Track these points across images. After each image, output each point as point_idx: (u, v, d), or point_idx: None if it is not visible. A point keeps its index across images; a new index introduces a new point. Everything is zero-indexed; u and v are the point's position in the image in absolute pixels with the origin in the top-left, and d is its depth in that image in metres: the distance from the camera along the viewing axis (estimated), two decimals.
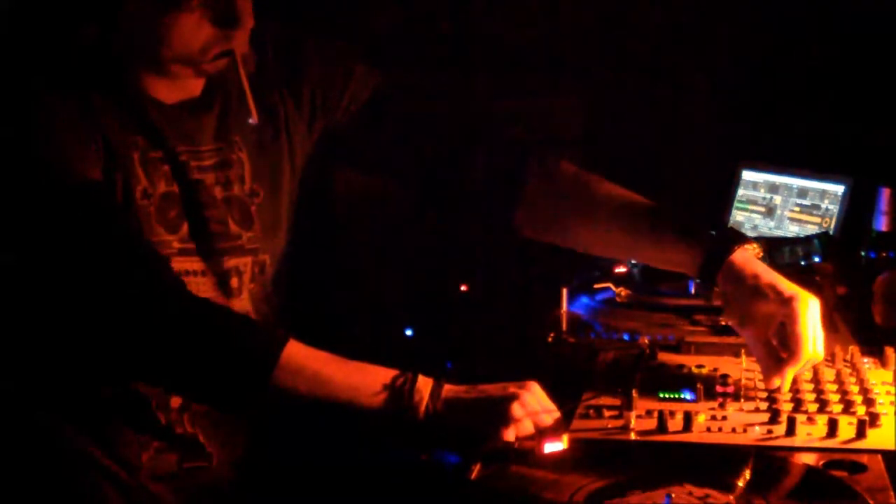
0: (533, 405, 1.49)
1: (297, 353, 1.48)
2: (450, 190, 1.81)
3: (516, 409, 1.47)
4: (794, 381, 1.63)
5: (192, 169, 1.63)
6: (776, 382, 1.57)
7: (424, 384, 1.49)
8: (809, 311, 1.56)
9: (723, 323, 1.84)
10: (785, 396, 1.59)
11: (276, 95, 1.72)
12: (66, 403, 1.59)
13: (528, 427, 1.47)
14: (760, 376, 1.63)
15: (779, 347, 1.57)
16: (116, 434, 1.60)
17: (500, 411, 1.47)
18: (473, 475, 1.38)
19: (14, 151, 1.50)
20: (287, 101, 1.72)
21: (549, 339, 1.88)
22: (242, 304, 1.67)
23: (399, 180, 1.85)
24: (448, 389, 1.50)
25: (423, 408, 1.48)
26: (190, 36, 1.55)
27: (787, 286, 1.58)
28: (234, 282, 1.67)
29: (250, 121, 1.64)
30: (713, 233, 1.65)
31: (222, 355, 1.48)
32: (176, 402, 1.62)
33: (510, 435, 1.46)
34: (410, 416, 1.47)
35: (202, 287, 1.62)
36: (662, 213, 1.72)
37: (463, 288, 2.05)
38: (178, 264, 1.60)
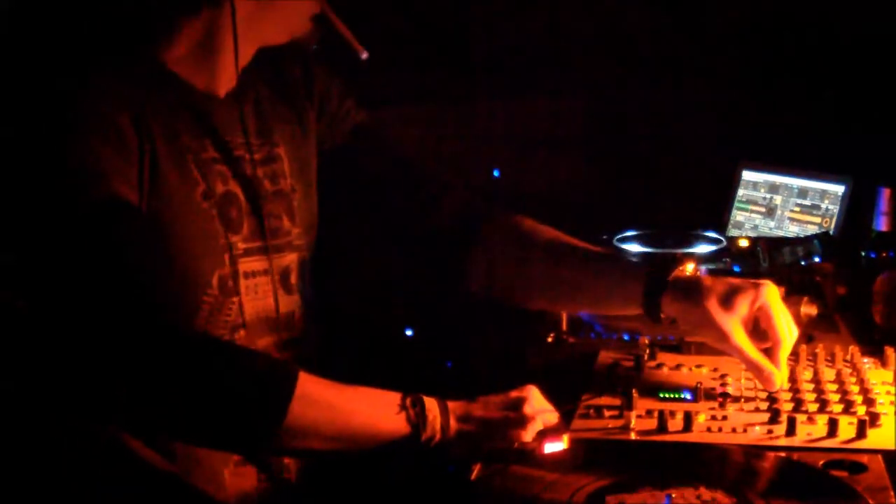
0: (538, 405, 1.50)
1: (308, 385, 1.43)
2: (404, 243, 1.82)
3: (528, 409, 1.48)
4: (794, 381, 1.63)
5: (247, 163, 1.61)
6: (779, 381, 1.56)
7: (431, 404, 1.47)
8: (777, 297, 1.59)
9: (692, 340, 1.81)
10: (785, 396, 1.59)
11: (298, 97, 1.73)
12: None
13: (539, 426, 1.47)
14: None
15: (760, 342, 1.58)
16: (194, 450, 1.54)
17: (514, 418, 1.47)
18: (473, 475, 1.38)
19: (46, 154, 1.44)
20: (305, 104, 1.74)
21: (549, 339, 1.88)
22: (297, 300, 1.66)
23: (352, 214, 1.83)
24: (455, 406, 1.49)
25: (438, 427, 1.46)
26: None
27: (743, 283, 1.59)
28: (293, 278, 1.66)
29: (363, 56, 1.65)
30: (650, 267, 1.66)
31: (234, 398, 1.42)
32: None
33: (528, 436, 1.45)
34: (427, 438, 1.46)
35: (269, 287, 1.61)
36: (601, 254, 1.74)
37: None
38: (245, 265, 1.58)
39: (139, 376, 1.41)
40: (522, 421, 1.47)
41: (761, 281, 1.60)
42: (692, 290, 1.59)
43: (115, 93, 1.49)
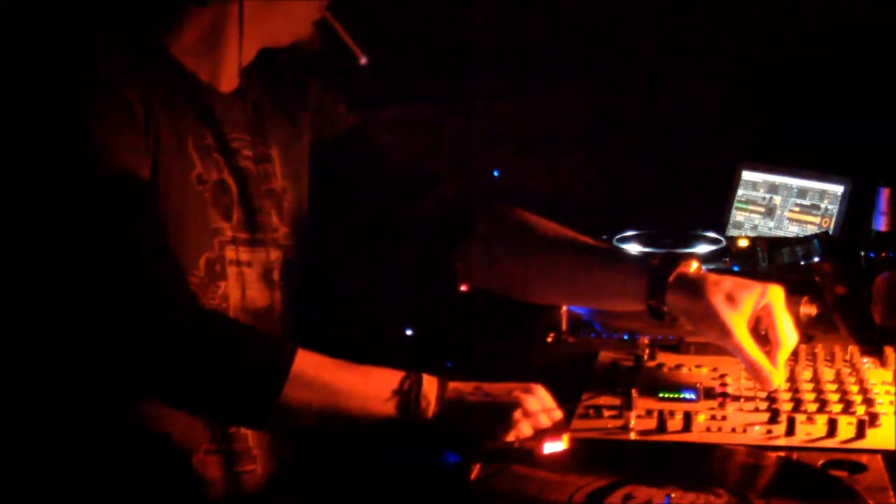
0: (535, 408, 1.49)
1: (306, 363, 1.46)
2: (394, 235, 1.83)
3: (518, 414, 1.47)
4: (794, 381, 1.64)
5: (242, 157, 1.63)
6: (777, 381, 1.57)
7: (430, 387, 1.48)
8: (782, 299, 1.59)
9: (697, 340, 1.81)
10: (784, 396, 1.59)
11: (293, 103, 1.75)
12: (112, 405, 1.54)
13: (526, 431, 1.47)
14: None
15: (761, 343, 1.58)
16: (166, 434, 1.55)
17: (501, 418, 1.47)
18: (473, 475, 1.38)
19: (55, 127, 1.46)
20: (299, 111, 1.76)
21: (549, 339, 1.89)
22: (279, 297, 1.67)
23: (345, 215, 1.85)
24: (452, 389, 1.49)
25: (430, 412, 1.47)
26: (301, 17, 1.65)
27: (749, 282, 1.60)
28: (276, 275, 1.67)
29: (362, 61, 1.68)
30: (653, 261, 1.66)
31: (232, 370, 1.44)
32: None
33: (510, 437, 1.46)
34: (419, 422, 1.47)
35: (250, 279, 1.62)
36: (604, 248, 1.76)
37: (463, 288, 2.05)
38: (231, 253, 1.60)
39: (142, 344, 1.42)
40: (507, 426, 1.46)
41: (768, 284, 1.60)
42: (697, 286, 1.59)
43: (122, 69, 1.51)
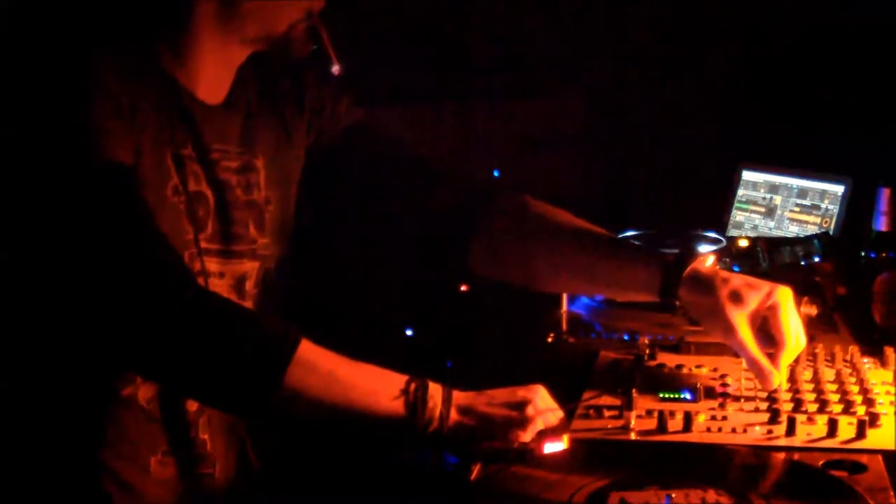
0: (542, 407, 1.50)
1: (310, 351, 1.45)
2: (406, 227, 1.83)
3: (530, 411, 1.48)
4: (794, 381, 1.63)
5: (222, 168, 1.63)
6: (776, 381, 1.57)
7: (435, 391, 1.48)
8: (790, 300, 1.60)
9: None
10: (785, 396, 1.59)
11: (288, 109, 1.74)
12: (74, 403, 1.55)
13: (539, 426, 1.47)
14: None
15: (766, 343, 1.58)
16: (125, 436, 1.56)
17: (516, 418, 1.47)
18: (473, 475, 1.38)
19: (58, 121, 1.46)
20: (294, 116, 1.75)
21: (549, 339, 1.88)
22: (252, 306, 1.66)
23: (358, 209, 1.85)
24: (459, 397, 1.49)
25: (437, 415, 1.47)
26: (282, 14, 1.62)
27: (759, 282, 1.61)
28: (248, 284, 1.66)
29: (334, 69, 1.67)
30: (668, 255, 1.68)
31: (235, 352, 1.43)
32: (193, 404, 1.59)
33: (527, 436, 1.46)
34: (424, 424, 1.46)
35: (219, 289, 1.61)
36: (619, 239, 1.77)
37: (463, 288, 2.05)
38: (200, 264, 1.59)
39: (148, 325, 1.42)
40: (523, 422, 1.47)
41: (777, 286, 1.60)
42: (707, 281, 1.60)
43: (117, 77, 1.51)
